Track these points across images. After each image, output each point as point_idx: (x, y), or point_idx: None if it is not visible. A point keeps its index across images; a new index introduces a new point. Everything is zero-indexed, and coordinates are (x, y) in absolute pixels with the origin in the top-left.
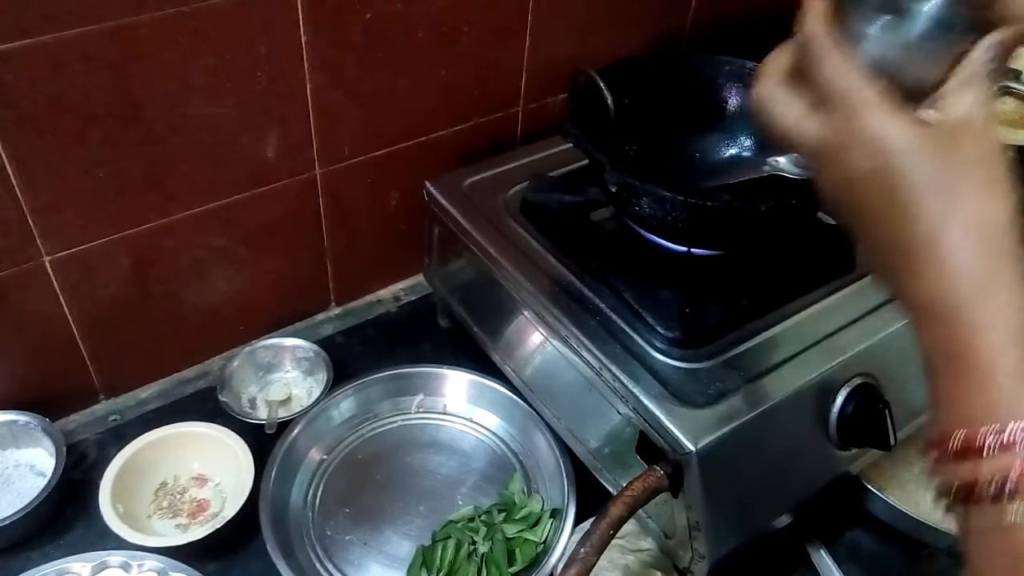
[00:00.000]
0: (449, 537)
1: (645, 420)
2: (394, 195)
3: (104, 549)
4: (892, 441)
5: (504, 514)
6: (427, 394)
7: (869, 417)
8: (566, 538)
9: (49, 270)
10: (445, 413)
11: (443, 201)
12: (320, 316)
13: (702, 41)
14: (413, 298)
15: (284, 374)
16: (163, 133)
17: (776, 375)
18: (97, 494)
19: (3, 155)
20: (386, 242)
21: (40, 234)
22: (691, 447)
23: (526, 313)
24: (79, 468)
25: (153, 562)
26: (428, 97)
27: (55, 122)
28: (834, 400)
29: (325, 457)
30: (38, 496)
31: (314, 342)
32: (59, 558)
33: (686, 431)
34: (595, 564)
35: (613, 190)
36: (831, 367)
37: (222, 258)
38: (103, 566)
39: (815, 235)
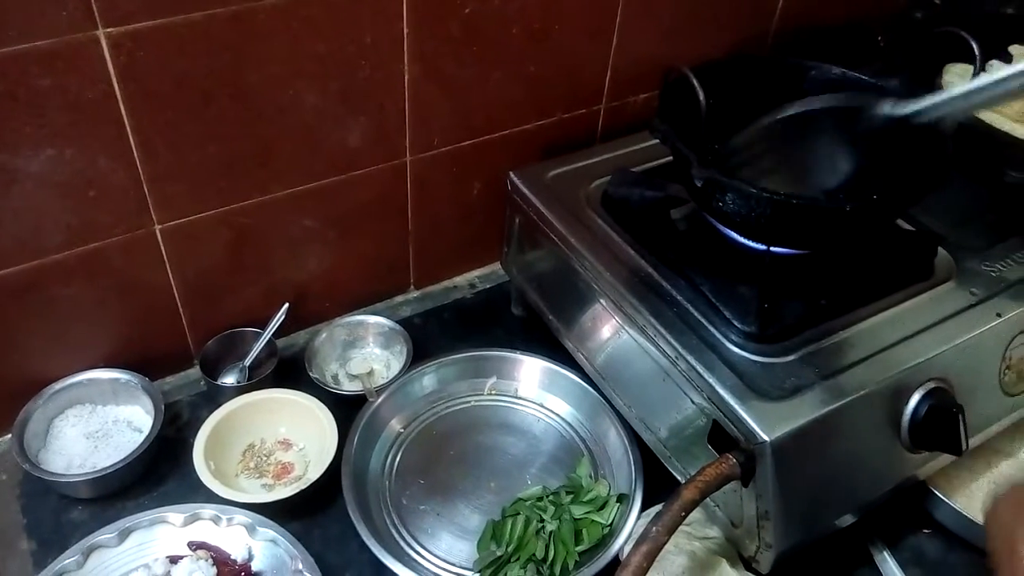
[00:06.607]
0: (518, 514)
1: (720, 409)
2: (476, 185)
3: (196, 502)
4: (964, 446)
5: (572, 496)
6: (500, 377)
7: (942, 421)
8: (632, 523)
9: (159, 238)
10: (517, 396)
11: (526, 191)
12: (399, 298)
13: (785, 47)
14: (488, 286)
15: (366, 349)
16: (271, 114)
17: (851, 374)
18: (188, 451)
19: (128, 126)
20: (465, 230)
21: (154, 203)
22: (765, 437)
23: (603, 302)
24: (172, 426)
25: (242, 517)
26: (516, 91)
27: (176, 98)
28: (907, 402)
29: (403, 430)
30: (137, 449)
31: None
32: (152, 508)
33: (761, 421)
34: (665, 544)
35: (699, 185)
36: (905, 369)
37: (313, 237)
38: (195, 517)
39: (893, 241)
